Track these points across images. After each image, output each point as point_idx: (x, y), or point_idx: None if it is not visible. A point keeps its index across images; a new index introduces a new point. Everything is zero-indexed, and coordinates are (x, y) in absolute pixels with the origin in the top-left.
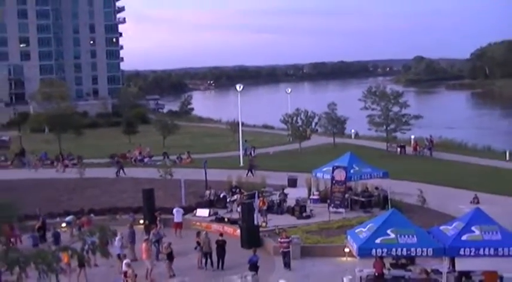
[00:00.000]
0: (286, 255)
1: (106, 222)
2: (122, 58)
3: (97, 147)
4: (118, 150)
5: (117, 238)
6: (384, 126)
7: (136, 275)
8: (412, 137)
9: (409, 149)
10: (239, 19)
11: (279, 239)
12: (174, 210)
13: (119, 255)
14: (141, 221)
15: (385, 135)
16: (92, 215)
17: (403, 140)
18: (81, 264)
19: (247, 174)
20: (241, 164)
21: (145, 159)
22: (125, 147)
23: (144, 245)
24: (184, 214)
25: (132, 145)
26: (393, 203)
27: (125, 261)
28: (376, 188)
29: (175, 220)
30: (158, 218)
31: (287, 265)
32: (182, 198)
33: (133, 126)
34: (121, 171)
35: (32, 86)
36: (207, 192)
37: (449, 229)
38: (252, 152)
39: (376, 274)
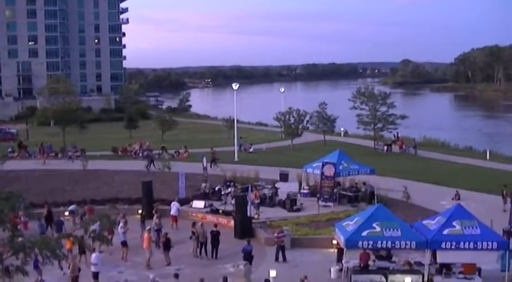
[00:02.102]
0: (281, 249)
1: (106, 211)
2: (125, 56)
3: (100, 140)
4: (119, 144)
5: (119, 226)
6: (372, 125)
7: (79, 269)
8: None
9: (395, 148)
10: (236, 22)
11: (276, 235)
12: (172, 204)
13: (123, 243)
14: (139, 211)
15: (372, 133)
16: (93, 205)
17: (390, 139)
18: (82, 251)
19: (211, 166)
20: (236, 159)
21: (145, 153)
22: (126, 141)
23: (146, 234)
24: (181, 205)
25: (132, 139)
26: (379, 198)
27: (90, 257)
28: (364, 184)
29: (171, 213)
30: (155, 209)
31: (283, 258)
32: (181, 191)
33: (134, 122)
34: (151, 165)
35: (39, 81)
36: (203, 185)
37: (431, 224)
38: (247, 148)
39: (362, 265)
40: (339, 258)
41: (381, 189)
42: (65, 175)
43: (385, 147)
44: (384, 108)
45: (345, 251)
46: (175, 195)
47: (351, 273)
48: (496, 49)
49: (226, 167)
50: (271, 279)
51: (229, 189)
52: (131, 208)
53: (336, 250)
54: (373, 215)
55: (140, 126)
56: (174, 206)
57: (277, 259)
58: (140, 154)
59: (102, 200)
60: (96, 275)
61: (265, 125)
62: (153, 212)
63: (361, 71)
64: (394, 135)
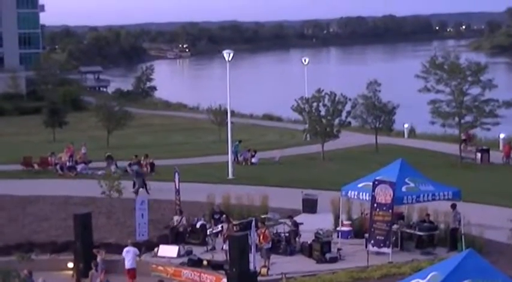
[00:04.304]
0: None
1: (13, 265)
2: (43, 6)
3: (2, 146)
4: (36, 152)
5: None
6: (456, 119)
7: None
8: (502, 136)
9: (496, 155)
10: None
11: None
12: (124, 251)
13: None
14: (70, 265)
15: (457, 132)
16: None
17: (487, 141)
18: None
19: (143, 187)
20: (231, 175)
21: (79, 167)
22: (47, 147)
23: None
24: (140, 253)
25: (57, 144)
26: (469, 239)
27: None
28: (453, 207)
29: (127, 266)
30: (99, 258)
31: None
32: (140, 229)
33: (61, 115)
34: (145, 187)
35: None
36: (176, 218)
37: None
38: (248, 157)
39: None
40: None
41: (472, 225)
42: None
43: (479, 155)
44: (476, 90)
45: None
46: (129, 237)
47: None
48: None
49: (215, 189)
50: None
51: (219, 227)
52: (56, 259)
53: None
54: (459, 268)
55: (71, 123)
56: (129, 254)
57: None
58: (83, 169)
59: (4, 246)
60: None
61: (279, 119)
62: (92, 264)
63: (437, 28)
64: (467, 133)
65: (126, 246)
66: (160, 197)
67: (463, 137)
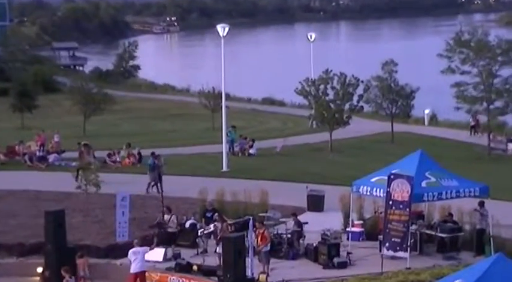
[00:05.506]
0: None
1: None
2: None
3: None
4: (1, 139)
5: None
6: (484, 104)
7: None
8: None
9: None
10: None
11: None
12: (130, 253)
13: None
14: (40, 270)
15: (485, 119)
16: None
17: None
18: None
19: (157, 188)
20: (225, 168)
21: (51, 157)
22: (14, 135)
23: None
24: (122, 256)
25: (27, 131)
26: (499, 242)
27: None
28: (481, 205)
29: (134, 269)
30: (83, 267)
31: None
32: (120, 228)
33: (30, 98)
34: (159, 183)
35: None
36: (166, 217)
37: None
38: (245, 147)
39: None
40: None
41: (501, 226)
42: None
43: (510, 146)
44: (507, 71)
45: None
46: (108, 238)
47: None
48: None
49: (208, 183)
50: None
51: (212, 226)
52: (24, 263)
53: None
54: (487, 274)
55: (42, 107)
56: (139, 255)
57: None
58: (55, 160)
59: None
60: None
61: (281, 103)
62: (62, 271)
63: (462, 0)
64: (476, 118)
65: (131, 247)
66: (142, 192)
67: (472, 123)
